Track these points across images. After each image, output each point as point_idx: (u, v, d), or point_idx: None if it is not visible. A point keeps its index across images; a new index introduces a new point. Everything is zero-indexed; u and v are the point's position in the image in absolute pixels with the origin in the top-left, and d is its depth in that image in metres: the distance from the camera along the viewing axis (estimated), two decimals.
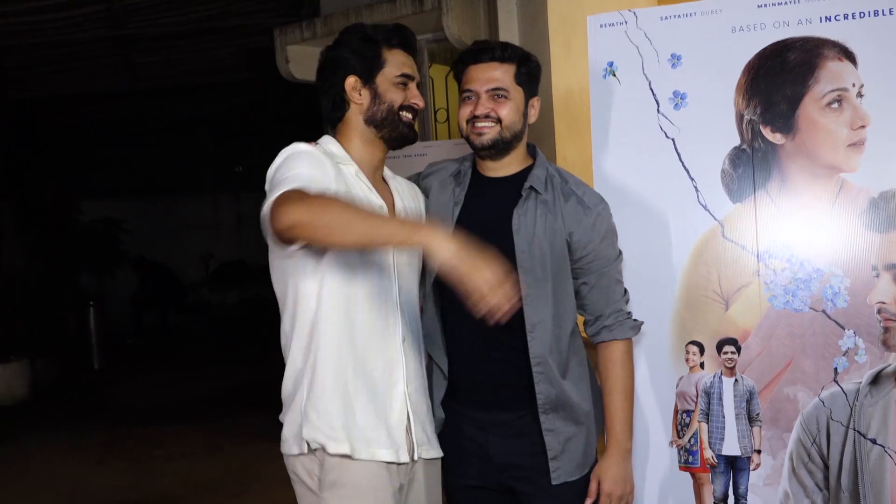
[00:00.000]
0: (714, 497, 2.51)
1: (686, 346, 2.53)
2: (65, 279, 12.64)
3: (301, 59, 7.32)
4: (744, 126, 2.49)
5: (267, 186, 2.08)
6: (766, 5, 2.47)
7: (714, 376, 2.50)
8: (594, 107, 2.64)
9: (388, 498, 2.08)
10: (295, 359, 2.13)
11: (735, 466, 2.49)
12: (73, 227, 13.33)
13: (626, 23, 2.59)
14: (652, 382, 2.57)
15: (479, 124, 2.27)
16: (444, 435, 2.30)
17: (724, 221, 2.51)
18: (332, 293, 2.09)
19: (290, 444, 2.15)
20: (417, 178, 2.46)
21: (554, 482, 2.25)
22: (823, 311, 2.42)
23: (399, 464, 2.13)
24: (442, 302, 2.30)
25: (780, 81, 2.45)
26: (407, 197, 2.33)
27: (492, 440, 2.29)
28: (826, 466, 2.43)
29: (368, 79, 2.20)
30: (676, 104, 2.55)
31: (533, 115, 2.37)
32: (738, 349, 2.49)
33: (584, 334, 2.40)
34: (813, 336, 2.44)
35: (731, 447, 2.49)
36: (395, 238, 1.91)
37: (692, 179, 2.53)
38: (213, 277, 17.29)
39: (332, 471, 2.07)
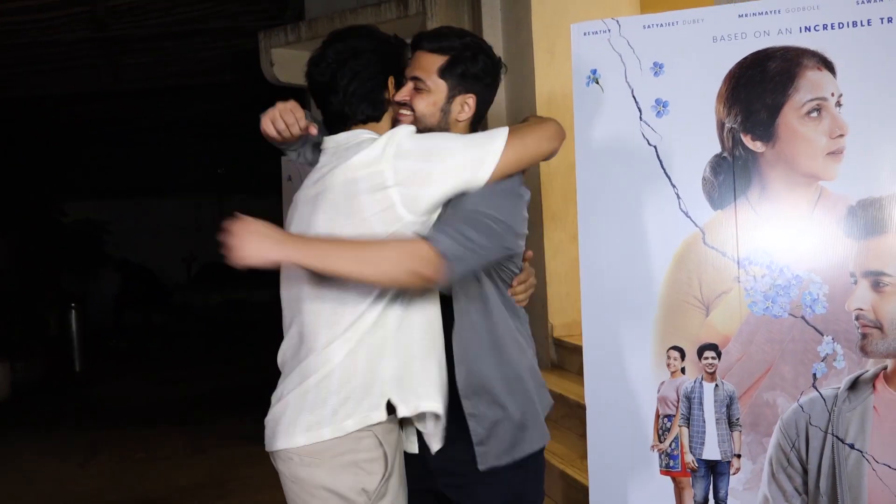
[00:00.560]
0: (695, 501, 2.53)
1: (667, 351, 2.56)
2: (47, 280, 12.60)
3: (285, 63, 7.33)
4: (724, 134, 2.52)
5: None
6: (746, 15, 2.50)
7: (695, 381, 2.53)
8: (577, 114, 2.67)
9: None
10: None
11: (715, 471, 2.52)
12: (55, 227, 13.28)
13: (609, 31, 2.62)
14: (633, 387, 2.60)
15: (400, 111, 2.26)
16: None
17: (705, 228, 2.54)
18: None
19: None
20: None
21: (480, 467, 2.17)
22: (802, 318, 2.46)
23: None
24: None
25: (761, 90, 2.48)
26: None
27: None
28: (805, 471, 2.46)
29: (400, 79, 2.27)
30: (658, 112, 2.58)
31: (461, 113, 2.24)
32: (719, 355, 2.52)
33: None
34: (792, 342, 2.47)
35: (711, 451, 2.52)
36: None
37: (674, 186, 2.56)
38: (196, 279, 17.24)
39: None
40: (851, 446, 2.40)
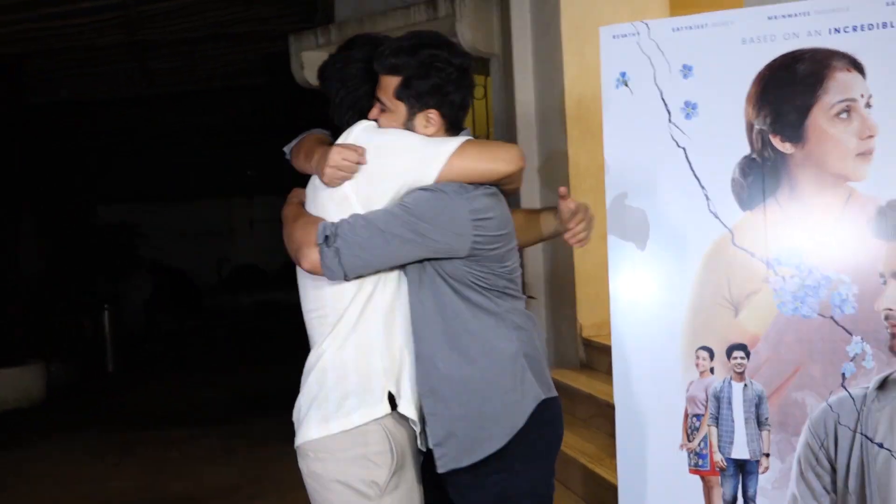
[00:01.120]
0: (723, 500, 2.55)
1: (696, 351, 2.58)
2: (81, 283, 12.75)
3: (316, 65, 7.37)
4: (754, 136, 2.53)
5: None
6: (776, 17, 2.52)
7: (723, 381, 2.55)
8: (606, 116, 2.69)
9: None
10: None
11: (744, 470, 2.53)
12: (89, 231, 13.45)
13: (638, 34, 2.64)
14: (662, 387, 2.62)
15: None
16: None
17: (734, 229, 2.55)
18: None
19: None
20: None
21: (440, 470, 2.20)
22: (831, 318, 2.47)
23: None
24: None
25: (790, 92, 2.50)
26: None
27: None
28: (834, 470, 2.47)
29: None
30: (687, 114, 2.60)
31: (426, 127, 2.25)
32: (748, 355, 2.53)
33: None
34: (821, 342, 2.48)
35: (740, 451, 2.54)
36: None
37: (703, 188, 2.58)
38: (227, 281, 17.40)
39: None
40: (880, 445, 2.41)
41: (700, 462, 2.58)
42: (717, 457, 2.55)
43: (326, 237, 2.10)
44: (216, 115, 12.79)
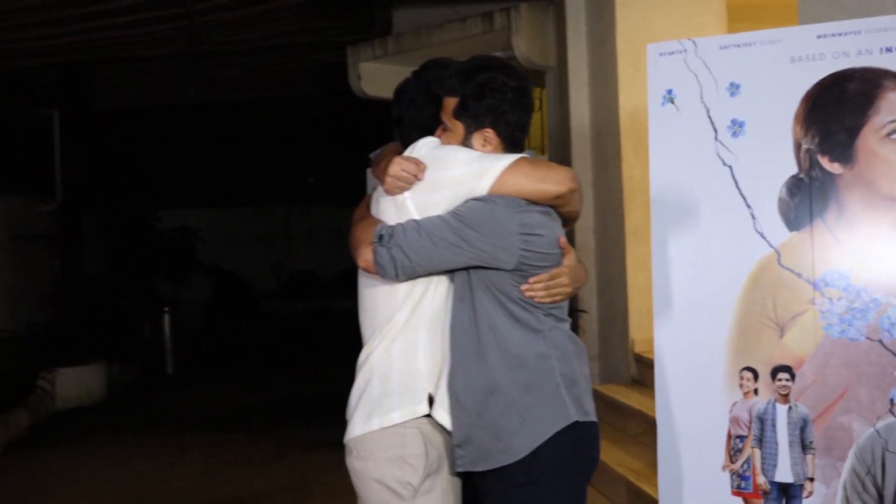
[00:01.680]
0: None
1: (740, 371, 2.55)
2: (142, 286, 13.00)
3: (372, 76, 7.47)
4: (801, 155, 2.51)
5: None
6: (825, 36, 2.49)
7: (768, 403, 2.52)
8: (652, 133, 2.69)
9: None
10: None
11: (787, 493, 2.50)
12: (151, 235, 13.70)
13: (685, 51, 2.63)
14: (706, 407, 2.60)
15: None
16: None
17: (781, 249, 2.53)
18: None
19: None
20: None
21: (457, 469, 2.28)
22: (880, 341, 2.43)
23: None
24: None
25: (839, 111, 2.47)
26: None
27: None
28: (881, 497, 2.43)
29: None
30: (734, 132, 2.58)
31: (484, 146, 2.33)
32: (793, 376, 2.50)
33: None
34: (869, 366, 2.44)
35: (783, 474, 2.51)
36: None
37: (749, 207, 2.56)
38: (284, 287, 17.60)
39: None
40: None
41: (743, 484, 2.55)
42: (761, 479, 2.53)
43: (381, 237, 2.23)
44: (275, 123, 12.98)
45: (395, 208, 2.29)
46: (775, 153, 2.53)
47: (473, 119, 2.32)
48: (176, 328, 12.06)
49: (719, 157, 2.60)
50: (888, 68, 2.43)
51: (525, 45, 6.34)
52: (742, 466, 2.55)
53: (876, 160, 2.44)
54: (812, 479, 2.48)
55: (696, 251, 2.62)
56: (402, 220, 2.26)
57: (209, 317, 15.46)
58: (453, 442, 2.28)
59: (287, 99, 11.38)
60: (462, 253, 2.21)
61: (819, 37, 2.50)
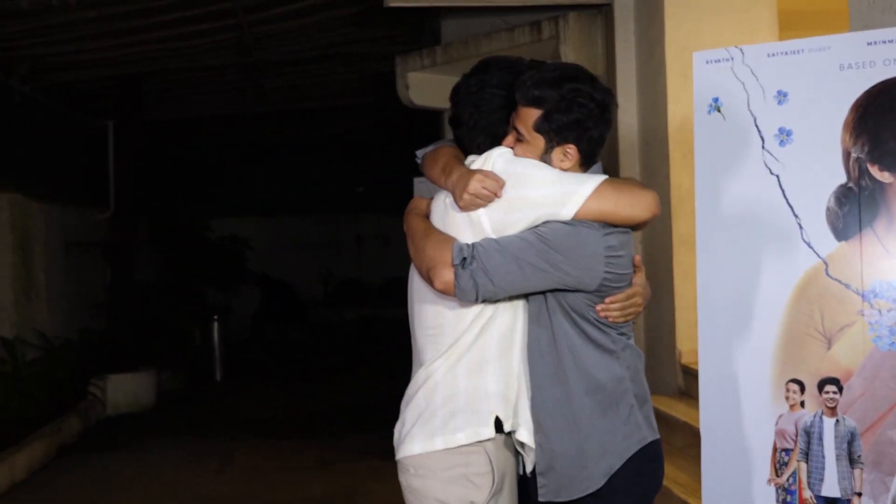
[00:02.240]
0: None
1: (786, 383, 2.51)
2: (193, 293, 13.17)
3: (421, 86, 7.50)
4: (850, 164, 2.47)
5: None
6: (875, 43, 2.45)
7: (815, 416, 2.48)
8: (698, 141, 2.66)
9: None
10: None
11: None
12: (202, 243, 13.88)
13: (732, 59, 2.61)
14: (751, 419, 2.56)
15: None
16: None
17: (829, 259, 2.49)
18: None
19: None
20: None
21: (540, 499, 2.22)
22: None
23: None
24: None
25: (890, 119, 2.43)
26: None
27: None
28: None
29: None
30: (782, 141, 2.55)
31: (563, 162, 2.23)
32: (840, 389, 2.46)
33: None
34: None
35: (830, 488, 2.46)
36: None
37: (796, 216, 2.52)
38: (332, 295, 17.70)
39: None
40: None
41: (788, 498, 2.51)
42: (807, 493, 2.48)
43: (464, 259, 2.12)
44: (323, 132, 13.08)
45: (468, 225, 2.18)
46: (824, 162, 2.49)
47: (556, 133, 2.19)
48: (225, 336, 12.20)
49: (766, 166, 2.56)
50: None
51: (573, 55, 6.31)
52: (788, 480, 2.51)
53: None
54: (860, 494, 2.43)
55: (742, 261, 2.59)
56: (477, 239, 2.16)
57: (258, 325, 15.60)
58: (537, 469, 2.22)
59: (336, 109, 11.48)
60: (547, 277, 2.13)
61: (869, 44, 2.46)
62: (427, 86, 7.47)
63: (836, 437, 2.45)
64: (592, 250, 2.13)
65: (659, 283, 5.62)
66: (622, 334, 2.24)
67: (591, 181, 2.15)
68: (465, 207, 2.17)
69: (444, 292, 2.16)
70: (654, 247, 5.75)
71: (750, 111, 2.59)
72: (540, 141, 2.21)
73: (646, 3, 5.80)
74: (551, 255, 2.11)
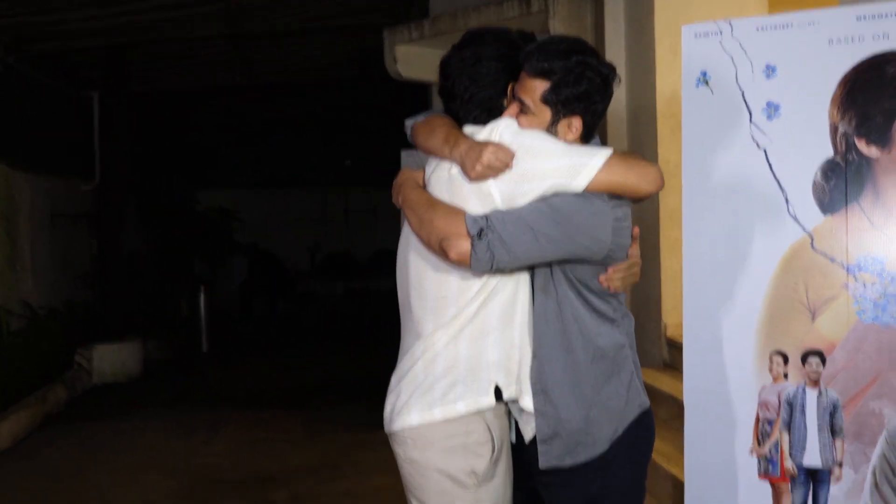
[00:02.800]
0: None
1: (770, 355, 2.54)
2: (180, 265, 13.14)
3: (409, 59, 7.47)
4: (838, 138, 2.48)
5: None
6: (865, 18, 2.46)
7: (798, 387, 2.51)
8: (686, 115, 2.68)
9: None
10: None
11: (815, 478, 2.49)
12: (189, 215, 13.84)
13: (720, 33, 2.61)
14: (735, 390, 2.59)
15: None
16: None
17: (814, 233, 2.51)
18: None
19: None
20: None
21: (541, 465, 2.23)
22: None
23: None
24: None
25: (878, 95, 2.44)
26: None
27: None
28: None
29: None
30: (769, 115, 2.56)
31: (567, 134, 2.22)
32: (824, 361, 2.48)
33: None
34: None
35: (812, 459, 2.49)
36: None
37: (783, 190, 2.54)
38: (320, 268, 17.72)
39: None
40: None
41: (770, 468, 2.54)
42: (788, 463, 2.52)
43: (480, 230, 2.11)
44: (312, 105, 13.03)
45: (477, 196, 2.17)
46: (811, 136, 2.51)
47: (564, 105, 2.18)
48: (212, 307, 12.19)
49: (753, 140, 2.58)
50: None
51: (563, 29, 6.29)
52: (770, 451, 2.54)
53: None
54: (841, 465, 2.47)
55: (728, 234, 2.61)
56: (485, 209, 2.15)
57: (245, 296, 15.60)
58: (538, 435, 2.23)
59: (324, 82, 11.42)
60: (561, 247, 2.14)
61: (858, 18, 2.47)
62: (415, 59, 7.43)
63: (818, 408, 2.49)
64: (603, 221, 2.15)
65: (645, 256, 5.59)
66: (620, 303, 2.28)
67: (601, 153, 2.15)
68: (476, 178, 2.15)
69: (459, 263, 2.16)
70: (641, 221, 5.70)
71: (738, 85, 2.60)
72: (546, 113, 2.20)
73: None
74: (565, 226, 2.12)
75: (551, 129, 2.21)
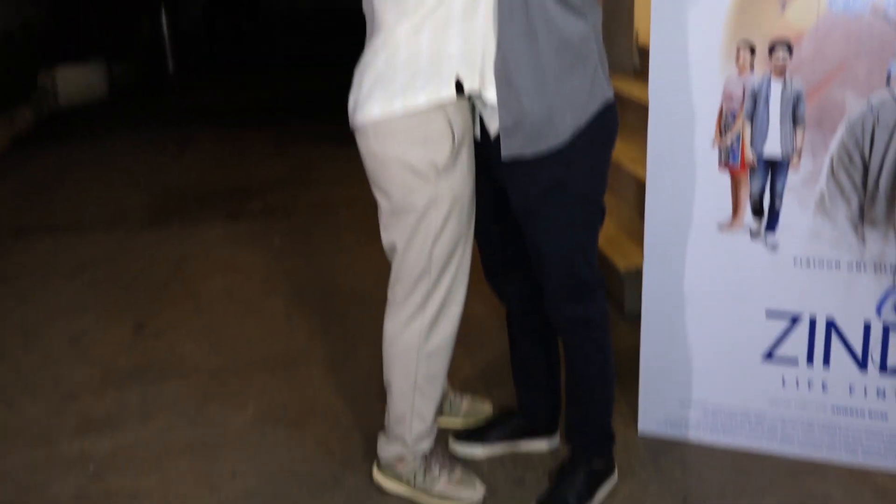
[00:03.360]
0: (750, 195, 2.57)
1: (737, 46, 2.50)
2: None
3: None
4: None
5: None
6: None
7: (763, 78, 2.49)
8: None
9: None
10: None
11: (774, 168, 2.53)
12: None
13: None
14: (700, 83, 2.56)
15: None
16: None
17: None
18: None
19: None
20: None
21: (503, 155, 2.24)
22: (884, 16, 2.36)
23: None
24: None
25: None
26: None
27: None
28: (866, 169, 2.46)
29: None
30: None
31: None
32: (791, 52, 2.45)
33: None
34: (870, 40, 2.38)
35: (772, 148, 2.52)
36: None
37: None
38: None
39: None
40: None
41: (731, 158, 2.57)
42: (749, 153, 2.54)
43: None
44: None
45: None
46: None
47: None
48: (176, 28, 11.84)
49: None
50: None
51: None
52: (731, 142, 2.56)
53: None
54: (800, 153, 2.50)
55: None
56: None
57: (208, 16, 15.12)
58: (500, 125, 2.22)
59: None
60: None
61: None
62: None
63: (782, 98, 2.48)
64: None
65: None
66: None
67: None
68: None
69: None
70: None
71: None
72: None
73: None
74: None
75: None
